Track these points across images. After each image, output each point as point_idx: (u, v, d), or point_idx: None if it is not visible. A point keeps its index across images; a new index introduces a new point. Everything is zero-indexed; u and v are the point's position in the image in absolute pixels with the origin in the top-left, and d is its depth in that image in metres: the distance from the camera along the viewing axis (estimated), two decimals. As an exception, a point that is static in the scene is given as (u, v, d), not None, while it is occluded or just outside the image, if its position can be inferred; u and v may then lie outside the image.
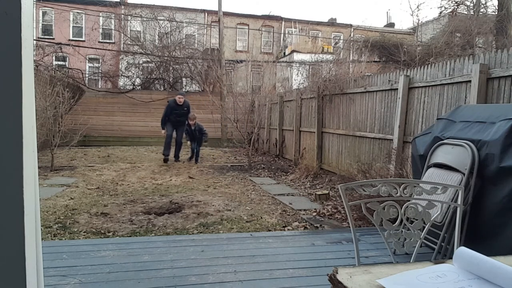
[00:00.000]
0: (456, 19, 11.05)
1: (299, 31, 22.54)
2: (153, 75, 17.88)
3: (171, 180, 7.32)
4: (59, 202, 5.31)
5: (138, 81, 17.85)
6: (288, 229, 4.31)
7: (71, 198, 5.61)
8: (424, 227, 1.71)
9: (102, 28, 20.37)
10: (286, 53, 20.44)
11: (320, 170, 7.80)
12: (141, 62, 17.96)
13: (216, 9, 16.69)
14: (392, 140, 5.42)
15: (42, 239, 0.91)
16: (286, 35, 23.06)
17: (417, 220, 1.68)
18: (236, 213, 4.89)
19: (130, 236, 3.94)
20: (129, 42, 19.22)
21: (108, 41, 20.24)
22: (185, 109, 9.27)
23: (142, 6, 19.39)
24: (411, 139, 4.33)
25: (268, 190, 6.43)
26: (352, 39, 17.45)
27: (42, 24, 19.94)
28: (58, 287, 2.44)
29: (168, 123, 9.29)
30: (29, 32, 0.75)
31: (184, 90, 9.35)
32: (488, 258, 0.95)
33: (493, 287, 0.89)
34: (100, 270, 2.72)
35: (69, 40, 19.35)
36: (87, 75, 17.80)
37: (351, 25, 23.38)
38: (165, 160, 9.34)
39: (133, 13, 19.57)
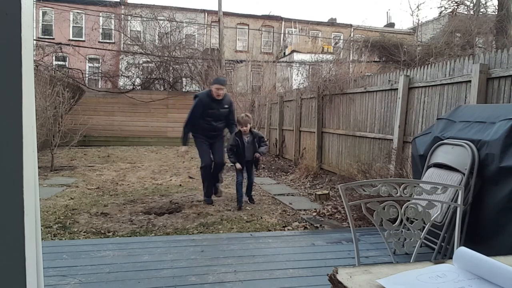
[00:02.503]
0: (456, 19, 11.04)
1: (299, 31, 22.54)
2: (153, 75, 17.88)
3: (171, 180, 7.32)
4: (59, 202, 5.31)
5: (138, 81, 17.86)
6: (288, 229, 4.31)
7: (71, 198, 5.61)
8: (424, 227, 1.71)
9: (102, 28, 20.38)
10: (286, 53, 20.45)
11: (320, 170, 7.80)
12: (141, 62, 17.96)
13: (216, 9, 16.69)
14: (392, 140, 5.42)
15: (42, 239, 0.91)
16: (286, 35, 23.06)
17: (417, 220, 1.68)
18: (236, 213, 4.89)
19: (130, 236, 3.94)
20: (129, 42, 19.22)
21: (108, 41, 20.24)
22: (226, 107, 5.28)
23: (142, 6, 19.39)
24: (411, 139, 4.33)
25: (268, 190, 6.43)
26: (352, 39, 17.44)
27: (42, 24, 19.95)
28: (58, 287, 2.44)
29: (198, 135, 5.27)
30: (29, 32, 0.75)
31: (224, 79, 5.96)
32: (488, 258, 0.95)
33: (493, 287, 0.89)
34: (100, 270, 2.72)
35: (69, 40, 19.36)
36: (87, 75, 17.80)
37: (351, 25, 23.37)
38: (211, 201, 5.41)
39: (133, 13, 19.57)
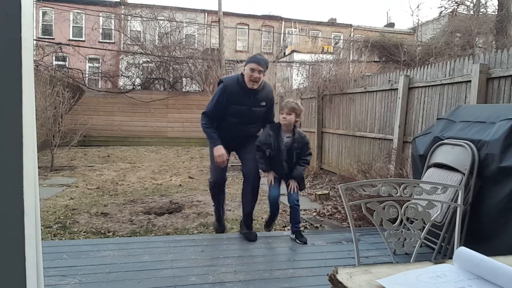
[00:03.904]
0: (456, 19, 11.04)
1: (299, 31, 22.53)
2: (153, 75, 17.87)
3: (171, 180, 7.32)
4: (59, 202, 5.31)
5: (138, 81, 17.85)
6: (288, 229, 4.30)
7: (71, 198, 5.61)
8: (424, 227, 1.71)
9: (102, 28, 20.38)
10: (286, 53, 20.43)
11: (320, 170, 7.80)
12: (141, 62, 17.95)
13: (216, 9, 16.68)
14: (392, 140, 5.42)
15: (42, 239, 0.91)
16: (286, 35, 23.06)
17: (417, 220, 1.68)
18: (236, 213, 4.88)
19: (130, 236, 3.94)
20: (129, 42, 19.22)
21: (108, 41, 20.24)
22: (263, 105, 3.43)
23: (142, 6, 19.39)
24: (411, 139, 4.33)
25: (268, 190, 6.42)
26: (352, 39, 17.43)
27: (42, 24, 19.95)
28: (58, 287, 2.44)
29: (215, 135, 3.38)
30: (29, 32, 0.75)
31: (264, 58, 3.47)
32: (488, 258, 0.95)
33: (493, 287, 0.89)
34: (100, 270, 2.72)
35: (69, 40, 19.35)
36: (87, 75, 17.79)
37: (351, 25, 23.38)
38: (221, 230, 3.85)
39: (133, 13, 19.57)
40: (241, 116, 3.35)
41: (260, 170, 3.46)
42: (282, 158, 3.34)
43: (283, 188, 3.43)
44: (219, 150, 3.29)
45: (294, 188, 3.38)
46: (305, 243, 3.38)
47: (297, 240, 3.41)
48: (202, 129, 3.42)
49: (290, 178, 3.39)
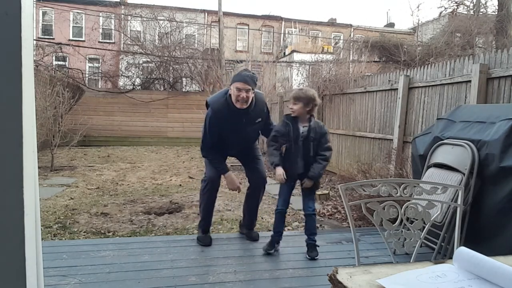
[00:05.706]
0: (456, 19, 11.04)
1: (299, 31, 22.53)
2: (153, 75, 17.86)
3: (171, 180, 7.32)
4: (59, 202, 5.31)
5: (138, 81, 17.85)
6: (288, 229, 4.31)
7: (71, 198, 5.61)
8: (424, 227, 1.71)
9: (102, 28, 20.38)
10: (286, 53, 20.44)
11: (320, 170, 7.79)
12: (141, 62, 17.95)
13: (216, 9, 16.69)
14: (392, 140, 5.42)
15: (42, 239, 0.91)
16: (286, 35, 23.06)
17: (417, 220, 1.68)
18: (236, 213, 4.89)
19: (130, 236, 3.94)
20: (129, 42, 19.22)
21: (108, 41, 20.24)
22: (258, 121, 3.26)
23: (142, 6, 19.39)
24: (411, 139, 4.33)
25: (268, 190, 6.40)
26: (352, 39, 17.44)
27: (42, 24, 19.95)
28: (58, 287, 2.44)
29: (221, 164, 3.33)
30: (29, 32, 0.75)
31: (250, 74, 3.04)
32: (488, 258, 0.95)
33: (493, 287, 0.89)
34: (100, 270, 2.72)
35: (69, 40, 19.35)
36: (87, 75, 17.78)
37: (351, 25, 23.39)
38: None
39: (133, 13, 19.57)
40: (236, 137, 3.22)
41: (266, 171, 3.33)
42: (298, 153, 2.98)
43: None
44: (231, 179, 3.29)
45: (307, 187, 3.07)
46: (315, 259, 3.02)
47: (308, 255, 3.03)
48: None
49: (305, 177, 3.02)
